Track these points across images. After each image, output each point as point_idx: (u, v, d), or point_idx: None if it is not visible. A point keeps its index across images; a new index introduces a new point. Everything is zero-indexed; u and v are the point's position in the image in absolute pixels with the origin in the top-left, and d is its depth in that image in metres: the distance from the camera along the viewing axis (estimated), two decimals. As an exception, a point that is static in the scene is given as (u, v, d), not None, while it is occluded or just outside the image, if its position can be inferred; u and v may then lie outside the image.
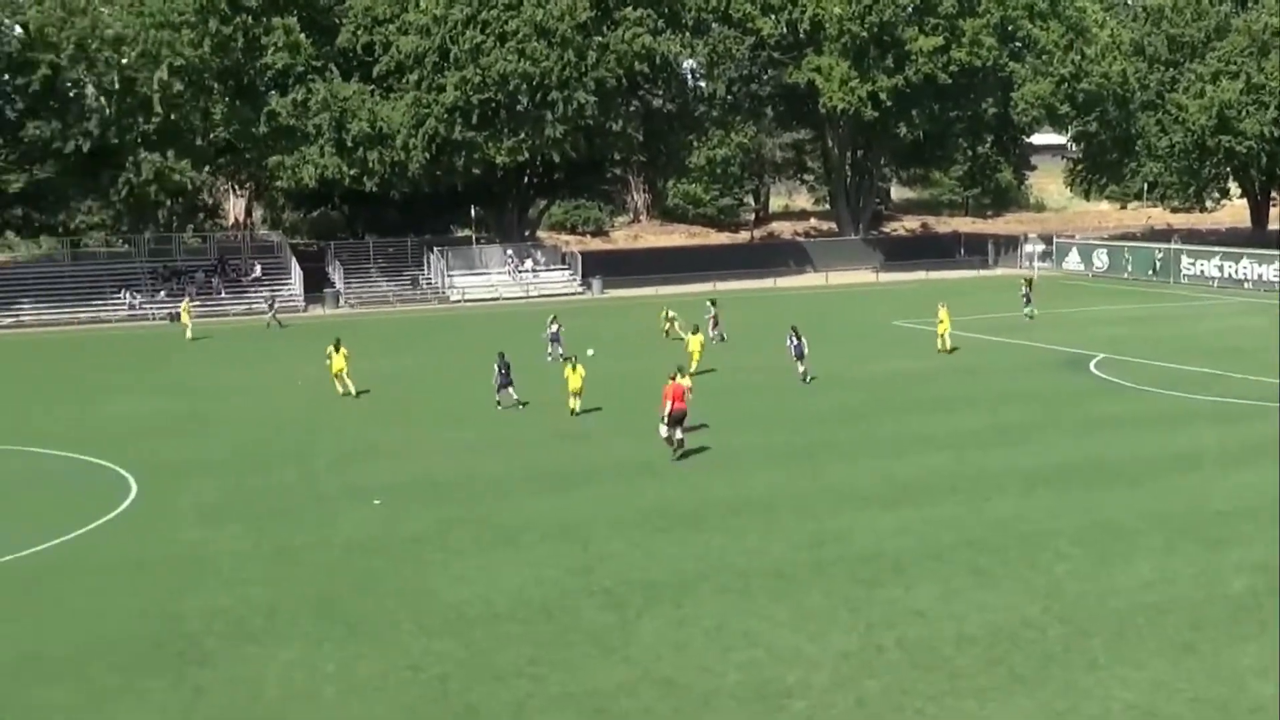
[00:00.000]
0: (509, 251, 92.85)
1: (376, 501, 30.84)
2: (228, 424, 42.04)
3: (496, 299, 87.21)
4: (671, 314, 62.14)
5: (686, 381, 36.10)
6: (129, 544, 27.96)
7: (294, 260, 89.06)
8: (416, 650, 21.05)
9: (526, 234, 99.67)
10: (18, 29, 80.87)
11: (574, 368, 41.34)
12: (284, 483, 33.33)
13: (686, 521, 28.59)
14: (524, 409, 41.99)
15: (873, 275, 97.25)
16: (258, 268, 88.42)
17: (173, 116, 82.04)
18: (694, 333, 50.96)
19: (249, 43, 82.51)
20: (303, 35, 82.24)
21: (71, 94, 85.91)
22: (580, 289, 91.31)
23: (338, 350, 46.18)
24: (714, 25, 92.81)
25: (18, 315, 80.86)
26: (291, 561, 26.32)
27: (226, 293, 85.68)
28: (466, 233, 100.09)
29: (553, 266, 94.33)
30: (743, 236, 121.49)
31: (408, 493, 31.74)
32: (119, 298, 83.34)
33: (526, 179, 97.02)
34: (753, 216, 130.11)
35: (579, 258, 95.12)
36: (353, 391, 45.48)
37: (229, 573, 25.62)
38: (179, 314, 73.45)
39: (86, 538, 28.61)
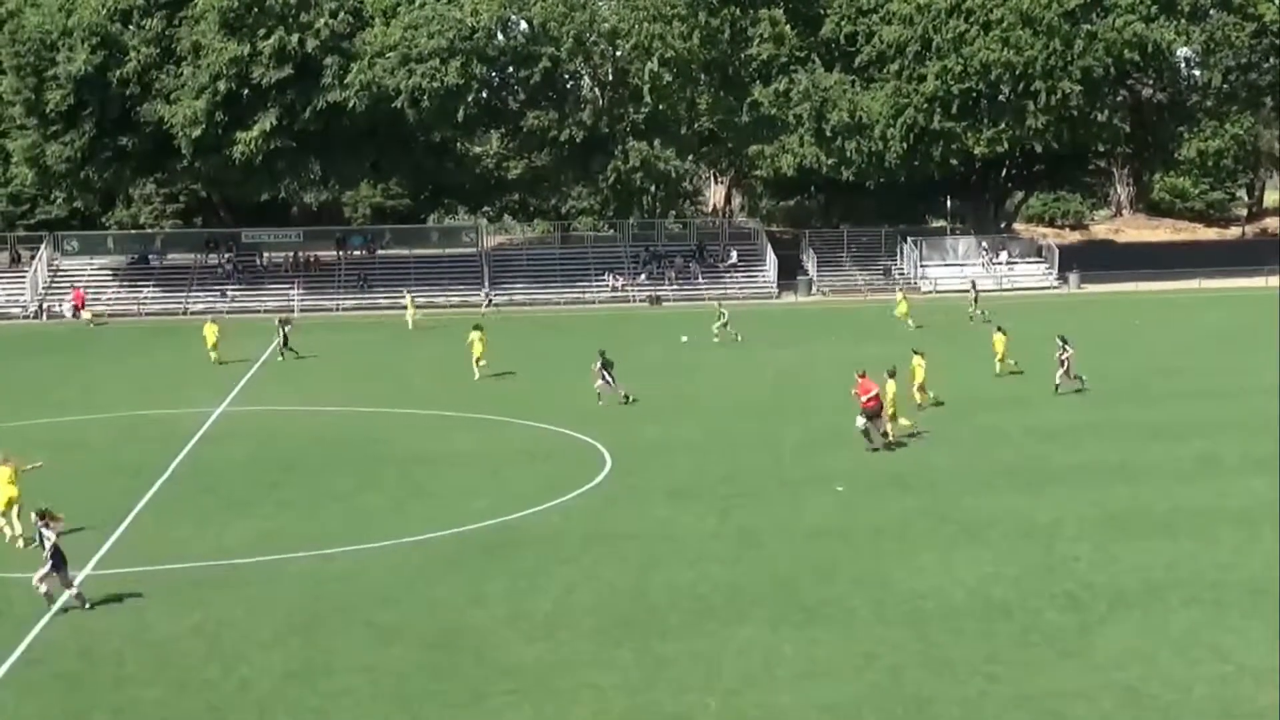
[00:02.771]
0: (983, 243, 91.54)
1: (839, 489, 31.17)
2: (699, 406, 43.33)
3: (969, 290, 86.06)
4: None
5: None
6: (603, 517, 29.33)
7: (769, 247, 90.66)
8: (872, 639, 21.24)
9: (1002, 226, 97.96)
10: (523, 24, 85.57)
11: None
12: (751, 466, 34.11)
13: (1158, 528, 27.58)
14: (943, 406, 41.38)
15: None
16: (734, 254, 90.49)
17: (661, 106, 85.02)
18: (999, 331, 48.90)
19: (736, 34, 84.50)
20: (788, 26, 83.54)
21: (569, 85, 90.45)
22: (1056, 283, 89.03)
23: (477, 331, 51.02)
24: (1212, 12, 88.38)
25: (511, 294, 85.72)
26: (754, 544, 26.97)
27: (704, 278, 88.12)
28: (941, 223, 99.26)
29: (1028, 259, 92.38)
30: (1233, 232, 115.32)
31: (870, 482, 31.92)
32: (602, 280, 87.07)
33: (1004, 170, 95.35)
34: (1245, 212, 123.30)
35: (1055, 251, 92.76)
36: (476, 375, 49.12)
37: (694, 551, 26.52)
38: (657, 298, 75.79)
39: (565, 507, 30.22)
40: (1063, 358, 43.51)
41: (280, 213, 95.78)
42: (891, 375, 36.43)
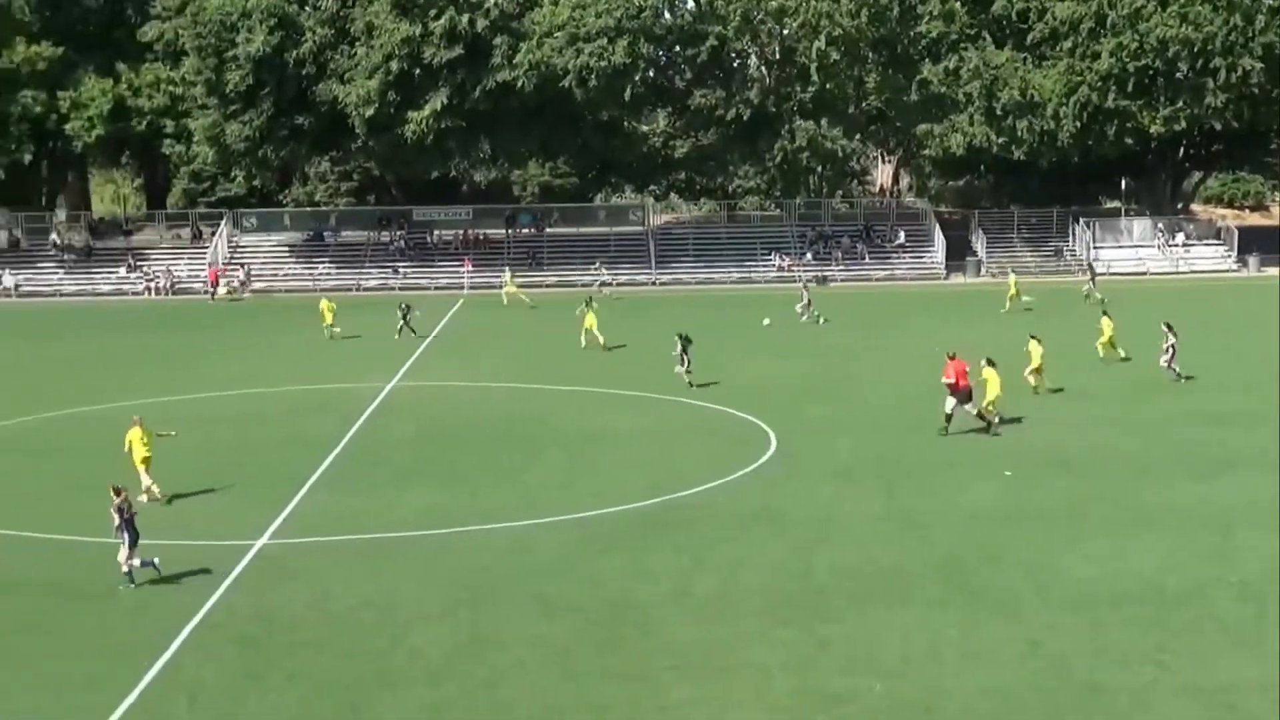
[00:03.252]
0: (1159, 225, 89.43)
1: (1008, 473, 30.82)
2: (863, 387, 43.13)
3: (1144, 273, 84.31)
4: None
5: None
6: (767, 496, 29.37)
7: (937, 227, 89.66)
8: (1039, 624, 21.00)
9: (1179, 207, 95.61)
10: (690, 3, 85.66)
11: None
12: (914, 447, 33.87)
13: (1338, 519, 26.81)
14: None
15: None
16: (901, 234, 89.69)
17: (828, 85, 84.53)
18: (1106, 316, 47.36)
19: (905, 12, 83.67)
20: (958, 3, 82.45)
21: (735, 64, 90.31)
22: (1235, 266, 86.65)
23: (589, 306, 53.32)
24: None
25: (676, 273, 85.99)
26: (918, 525, 26.80)
27: (871, 258, 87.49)
28: (1115, 204, 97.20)
29: (1205, 241, 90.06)
30: None
31: (1037, 465, 31.51)
32: (769, 259, 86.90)
33: (1182, 149, 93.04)
34: None
35: (1235, 233, 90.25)
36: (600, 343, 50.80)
37: (858, 532, 26.45)
38: (823, 278, 75.44)
39: (730, 486, 30.32)
40: (1166, 345, 42.47)
41: (450, 191, 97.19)
42: (990, 363, 35.74)
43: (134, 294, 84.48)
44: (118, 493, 23.87)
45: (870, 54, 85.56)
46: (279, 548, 26.08)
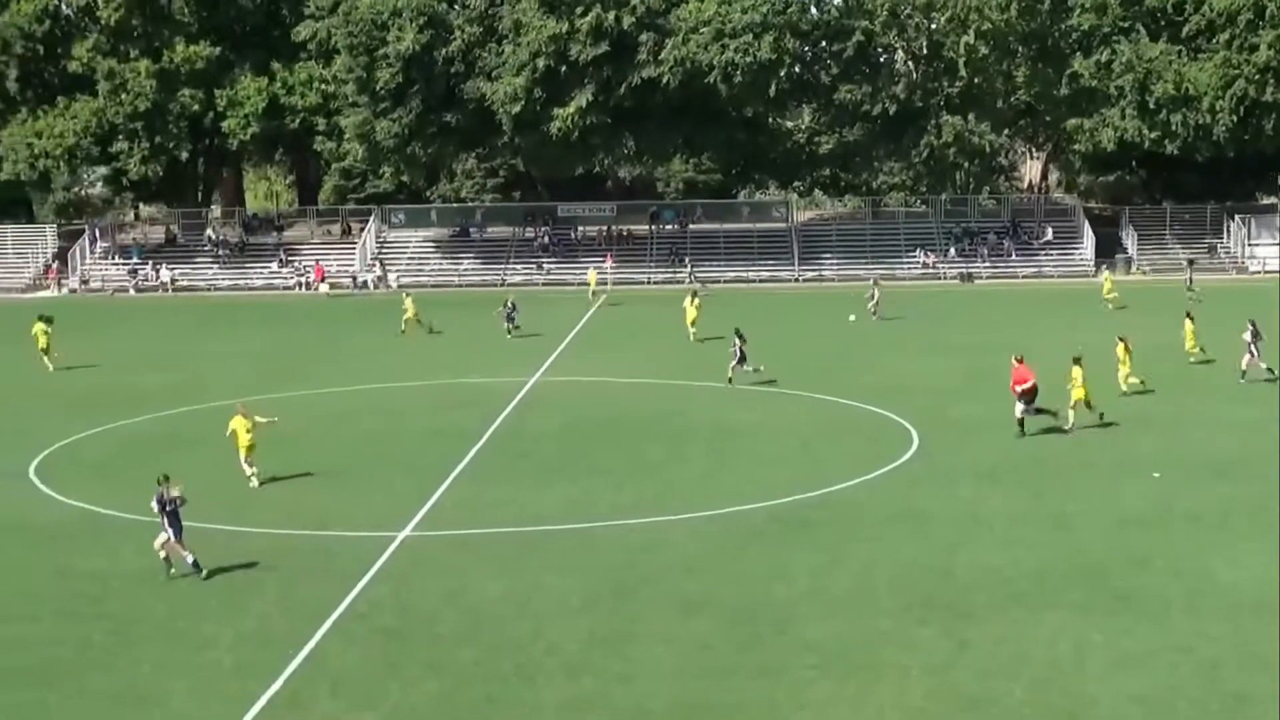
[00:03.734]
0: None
1: (1156, 475, 30.20)
2: (1006, 386, 42.43)
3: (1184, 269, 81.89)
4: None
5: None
6: (908, 495, 29.10)
7: (1086, 224, 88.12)
8: (1187, 630, 20.54)
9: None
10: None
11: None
12: (1060, 448, 33.32)
13: None
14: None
15: None
16: (1049, 231, 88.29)
17: (976, 79, 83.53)
18: (1188, 318, 46.16)
19: (1055, 5, 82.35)
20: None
21: (881, 59, 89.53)
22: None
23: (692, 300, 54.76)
24: None
25: (820, 269, 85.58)
26: (1064, 528, 26.36)
27: (1018, 255, 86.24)
28: (1272, 200, 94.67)
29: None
30: None
31: (1186, 469, 30.82)
32: (913, 256, 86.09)
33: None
34: None
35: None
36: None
37: (1001, 533, 26.09)
38: (968, 275, 74.54)
39: (871, 484, 30.11)
40: (1251, 344, 41.50)
41: (595, 187, 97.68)
42: (1077, 361, 35.18)
43: (285, 288, 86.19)
44: (162, 483, 24.29)
45: (1020, 47, 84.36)
46: (422, 540, 26.43)
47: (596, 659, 19.84)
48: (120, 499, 29.60)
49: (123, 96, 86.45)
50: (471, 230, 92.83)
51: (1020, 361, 35.14)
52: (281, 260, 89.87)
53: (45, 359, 49.95)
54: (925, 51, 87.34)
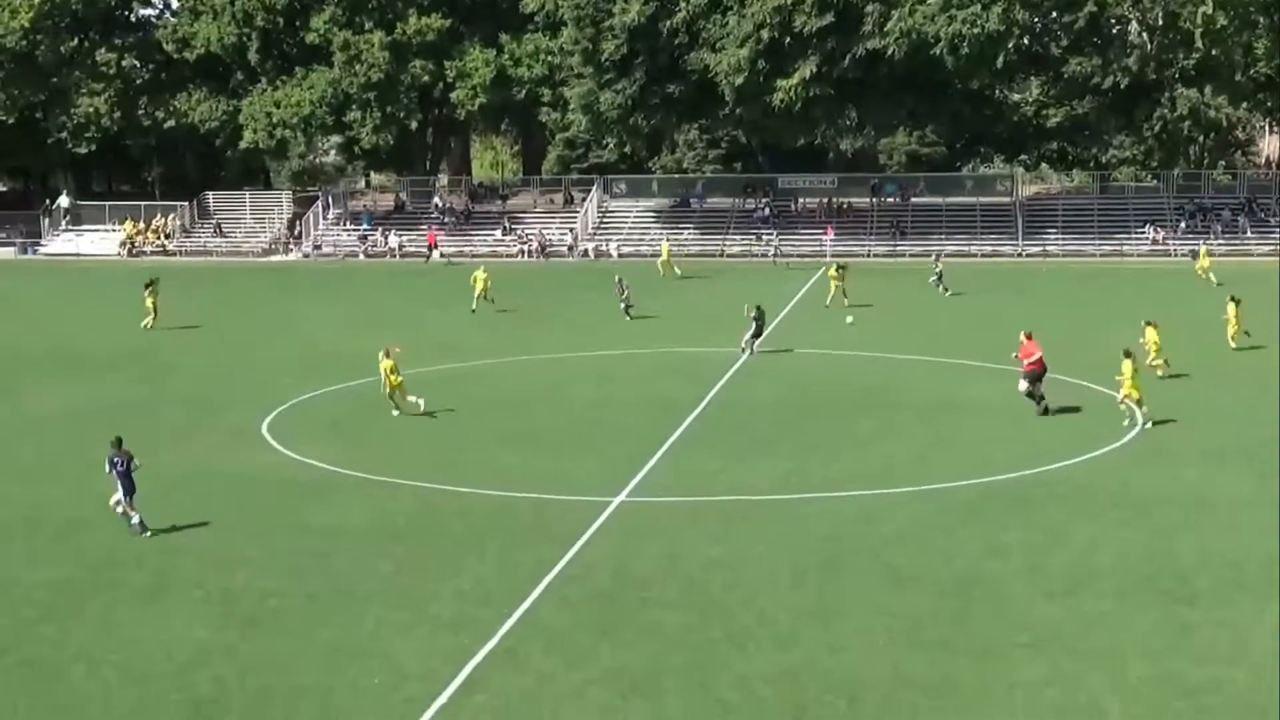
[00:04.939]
0: None
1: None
2: (1235, 366, 41.18)
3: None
4: None
5: None
6: (1130, 476, 28.47)
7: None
8: None
9: None
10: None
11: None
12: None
13: None
14: None
15: None
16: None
17: (1213, 51, 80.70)
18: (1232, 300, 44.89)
19: (1299, -27, 79.21)
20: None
21: (1114, 30, 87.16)
22: None
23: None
24: None
25: (1044, 245, 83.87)
26: (1293, 514, 25.52)
27: (1252, 232, 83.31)
28: None
29: None
30: None
31: None
32: (1142, 233, 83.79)
33: None
34: None
35: None
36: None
37: (1228, 517, 25.37)
38: (1194, 253, 72.31)
39: (1091, 463, 29.53)
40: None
41: (816, 159, 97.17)
42: (1127, 355, 33.98)
43: (508, 256, 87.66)
44: (114, 446, 25.19)
45: (1261, 18, 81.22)
46: (636, 505, 26.78)
47: (806, 629, 19.90)
48: (348, 458, 30.65)
49: (357, 68, 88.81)
50: (692, 201, 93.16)
51: (1029, 338, 34.82)
52: (505, 228, 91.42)
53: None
54: (1160, 22, 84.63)
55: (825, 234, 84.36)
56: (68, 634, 20.02)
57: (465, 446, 32.08)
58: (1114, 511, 25.78)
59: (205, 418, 36.04)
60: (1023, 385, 34.87)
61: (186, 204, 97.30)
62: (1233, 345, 43.52)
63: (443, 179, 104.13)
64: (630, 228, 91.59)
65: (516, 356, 44.94)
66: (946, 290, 60.74)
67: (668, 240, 79.98)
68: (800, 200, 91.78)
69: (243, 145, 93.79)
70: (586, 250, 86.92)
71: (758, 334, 44.46)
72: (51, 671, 18.58)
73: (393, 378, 35.01)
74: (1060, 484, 27.92)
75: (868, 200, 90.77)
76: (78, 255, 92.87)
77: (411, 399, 35.00)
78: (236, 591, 21.87)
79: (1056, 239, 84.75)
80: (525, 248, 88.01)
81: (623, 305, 54.81)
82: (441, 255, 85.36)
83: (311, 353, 46.84)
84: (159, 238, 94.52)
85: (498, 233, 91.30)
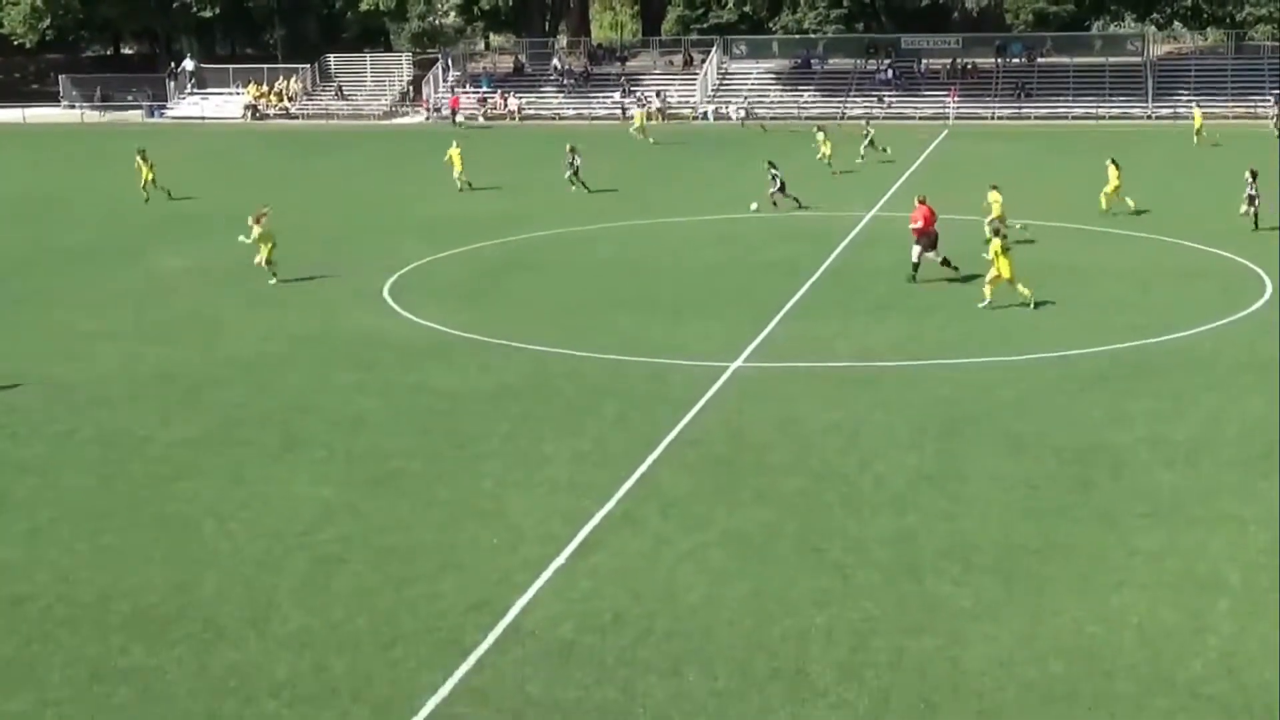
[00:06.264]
0: None
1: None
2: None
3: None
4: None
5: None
6: (1257, 345, 27.85)
7: None
8: None
9: None
10: None
11: None
12: None
13: None
14: None
15: None
16: None
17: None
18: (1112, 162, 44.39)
19: None
20: None
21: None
22: None
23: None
24: None
25: (1174, 106, 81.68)
26: None
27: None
28: None
29: None
30: None
31: None
32: (1276, 93, 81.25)
33: None
34: None
35: None
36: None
37: (1357, 386, 24.87)
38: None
39: (1218, 332, 28.97)
40: (1249, 194, 40.17)
41: (940, 19, 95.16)
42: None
43: (627, 118, 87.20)
44: None
45: None
46: (753, 370, 26.82)
47: (923, 494, 19.90)
48: (465, 320, 31.01)
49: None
50: (813, 62, 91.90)
51: (922, 202, 34.39)
52: (624, 90, 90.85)
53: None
54: None
55: (949, 96, 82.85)
56: (199, 490, 20.59)
57: (582, 311, 32.27)
58: (1240, 380, 25.33)
59: (329, 279, 36.60)
60: (914, 252, 34.41)
61: (308, 67, 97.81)
62: None
63: (562, 40, 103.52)
64: (750, 89, 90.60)
65: (640, 220, 44.89)
66: (885, 150, 60.48)
67: (640, 108, 79.73)
68: (924, 61, 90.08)
69: (363, 7, 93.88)
70: (706, 113, 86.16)
71: (781, 189, 45.52)
72: (183, 526, 19.14)
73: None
74: (1188, 352, 27.49)
75: (992, 61, 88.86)
76: (202, 118, 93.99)
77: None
78: (360, 451, 22.30)
79: (1188, 100, 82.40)
80: (644, 110, 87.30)
81: (568, 175, 52.63)
82: (460, 120, 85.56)
83: (427, 216, 47.17)
84: (281, 101, 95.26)
85: (616, 95, 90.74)
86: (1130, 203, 43.83)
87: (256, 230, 35.46)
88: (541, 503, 19.83)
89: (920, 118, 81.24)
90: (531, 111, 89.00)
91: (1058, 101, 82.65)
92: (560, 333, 29.66)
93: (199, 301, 34.00)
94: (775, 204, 45.53)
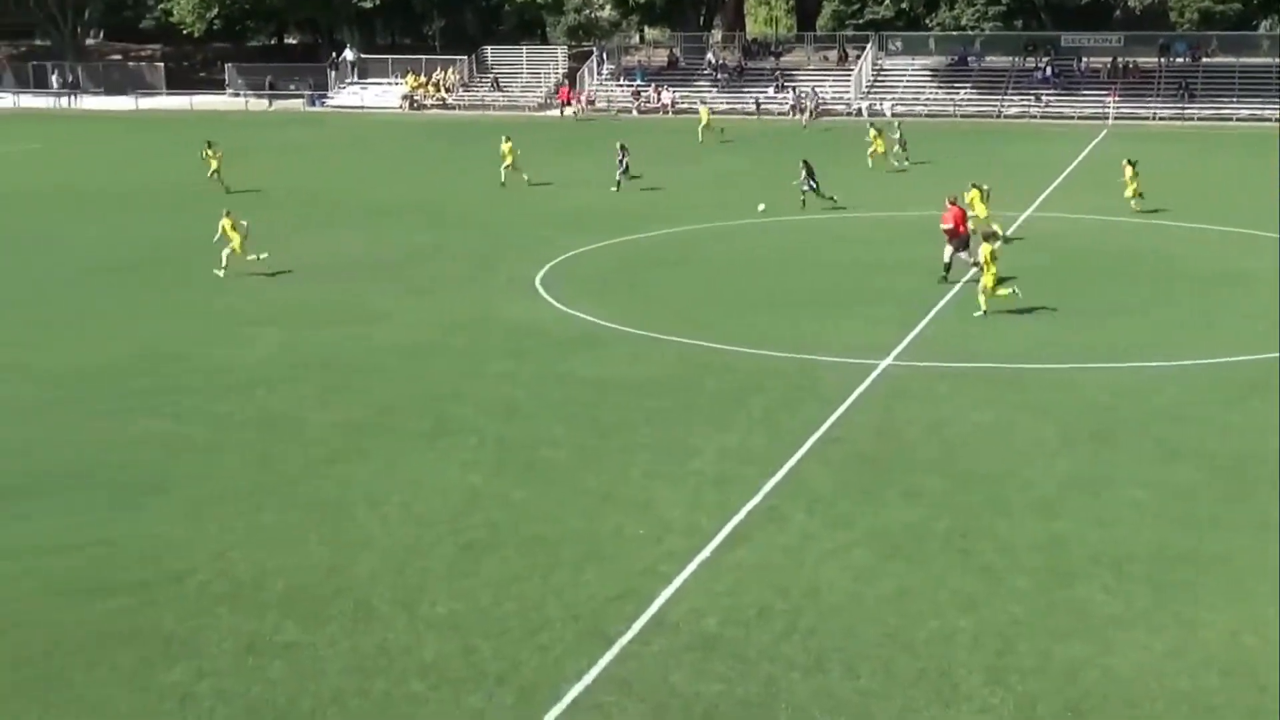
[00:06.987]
0: None
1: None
2: None
3: None
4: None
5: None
6: None
7: None
8: None
9: None
10: None
11: None
12: None
13: None
14: None
15: None
16: None
17: None
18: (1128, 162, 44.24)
19: None
20: None
21: None
22: None
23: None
24: None
25: (1346, 109, 79.45)
26: None
27: None
28: None
29: None
30: None
31: None
32: None
33: None
34: None
35: None
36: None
37: None
38: None
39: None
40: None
41: (1101, 17, 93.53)
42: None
43: (779, 113, 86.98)
44: None
45: None
46: (902, 369, 26.67)
47: (1072, 500, 19.65)
48: (613, 312, 31.28)
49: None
50: (970, 59, 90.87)
51: (953, 203, 33.96)
52: (778, 85, 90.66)
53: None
54: None
55: (1109, 96, 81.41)
56: (352, 474, 21.03)
57: (725, 305, 32.33)
58: None
59: (484, 268, 37.21)
60: (947, 252, 34.13)
61: (465, 58, 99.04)
62: None
63: (716, 35, 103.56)
64: (905, 86, 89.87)
65: (781, 216, 44.78)
66: (906, 156, 58.92)
67: (704, 104, 78.78)
68: (1084, 59, 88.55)
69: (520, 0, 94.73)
70: (860, 109, 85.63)
71: (815, 189, 45.90)
72: (337, 509, 19.57)
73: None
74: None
75: (1155, 60, 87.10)
76: (361, 107, 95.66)
77: (251, 256, 35.72)
78: (510, 439, 22.60)
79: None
80: (796, 105, 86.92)
81: (618, 175, 52.56)
82: (571, 112, 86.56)
83: (576, 208, 47.61)
84: (439, 91, 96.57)
85: (770, 89, 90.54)
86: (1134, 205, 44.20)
87: (235, 236, 36.01)
88: (688, 495, 19.93)
89: (1079, 118, 79.95)
90: (685, 105, 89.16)
91: (1222, 102, 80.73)
92: (704, 327, 29.76)
93: (353, 290, 34.67)
94: (804, 203, 45.60)
